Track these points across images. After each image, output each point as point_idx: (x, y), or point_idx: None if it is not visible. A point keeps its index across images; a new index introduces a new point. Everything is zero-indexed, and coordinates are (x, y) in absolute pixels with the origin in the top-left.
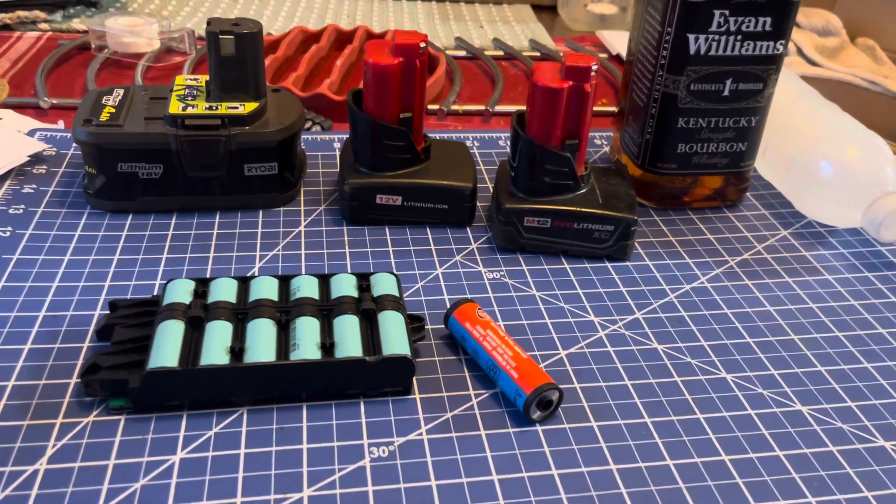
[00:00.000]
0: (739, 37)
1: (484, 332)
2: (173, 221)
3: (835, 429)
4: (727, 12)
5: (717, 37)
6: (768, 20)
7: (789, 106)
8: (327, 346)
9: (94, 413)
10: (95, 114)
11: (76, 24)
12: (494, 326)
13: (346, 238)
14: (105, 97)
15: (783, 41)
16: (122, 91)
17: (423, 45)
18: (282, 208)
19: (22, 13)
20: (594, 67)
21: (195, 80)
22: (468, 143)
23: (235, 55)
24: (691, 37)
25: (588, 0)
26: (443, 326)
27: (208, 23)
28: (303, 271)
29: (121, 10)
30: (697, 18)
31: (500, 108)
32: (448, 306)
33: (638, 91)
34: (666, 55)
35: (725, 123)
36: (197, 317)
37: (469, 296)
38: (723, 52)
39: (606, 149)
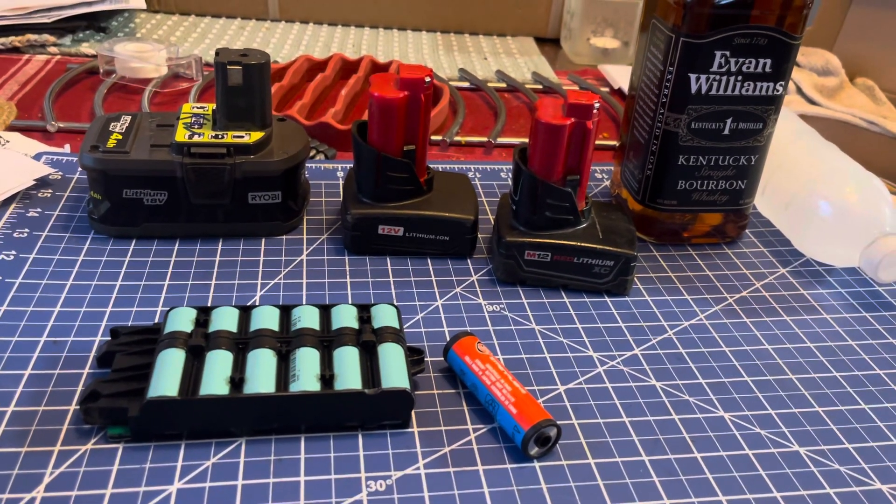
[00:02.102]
0: (740, 77)
1: (483, 367)
2: (176, 248)
3: (832, 471)
4: (728, 53)
5: (717, 77)
6: (768, 62)
7: (789, 145)
8: (327, 377)
9: (93, 441)
10: (102, 140)
11: (85, 48)
12: (493, 361)
13: (347, 268)
14: (112, 124)
15: (783, 82)
16: (129, 118)
17: (427, 79)
18: (284, 237)
19: (32, 36)
20: (596, 105)
21: (202, 108)
22: (470, 175)
23: (242, 85)
24: (692, 76)
25: (591, 34)
26: (442, 359)
27: (217, 53)
28: (304, 300)
29: (129, 36)
30: (699, 59)
31: (502, 140)
32: (448, 338)
33: (639, 127)
34: (667, 93)
35: (725, 161)
36: (198, 346)
37: (469, 328)
38: (723, 92)
39: (607, 183)
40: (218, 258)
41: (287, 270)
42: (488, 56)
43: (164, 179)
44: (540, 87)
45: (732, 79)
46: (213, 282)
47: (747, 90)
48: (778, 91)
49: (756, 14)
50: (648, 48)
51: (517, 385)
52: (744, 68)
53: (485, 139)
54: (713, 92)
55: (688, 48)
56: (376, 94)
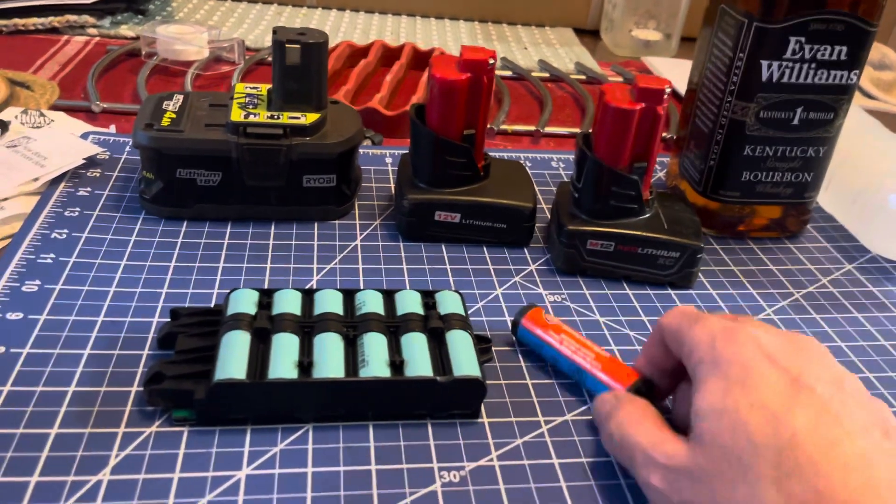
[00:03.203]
0: (814, 65)
1: (559, 337)
2: (228, 230)
3: None
4: (803, 39)
5: (790, 64)
6: (844, 49)
7: (854, 138)
8: (397, 363)
9: (157, 423)
10: (156, 119)
11: (124, 30)
12: (567, 329)
13: (402, 254)
14: (165, 102)
15: (857, 71)
16: (181, 97)
17: (491, 61)
18: (337, 221)
19: (71, 17)
20: (668, 90)
21: (255, 88)
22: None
23: (300, 65)
24: (764, 63)
25: (633, 26)
26: (506, 349)
27: (274, 31)
28: (362, 286)
29: (168, 18)
30: (772, 45)
31: (548, 129)
32: (510, 327)
33: (703, 117)
34: (736, 81)
35: (793, 153)
36: (263, 328)
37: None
38: (795, 80)
39: (661, 174)
40: (271, 241)
41: (342, 255)
42: (528, 46)
43: (219, 160)
44: (584, 77)
45: (806, 66)
46: (269, 265)
47: (820, 78)
48: (852, 80)
49: None
50: (715, 35)
51: (598, 350)
52: (818, 55)
53: (531, 128)
54: (785, 80)
55: (761, 33)
56: (438, 76)
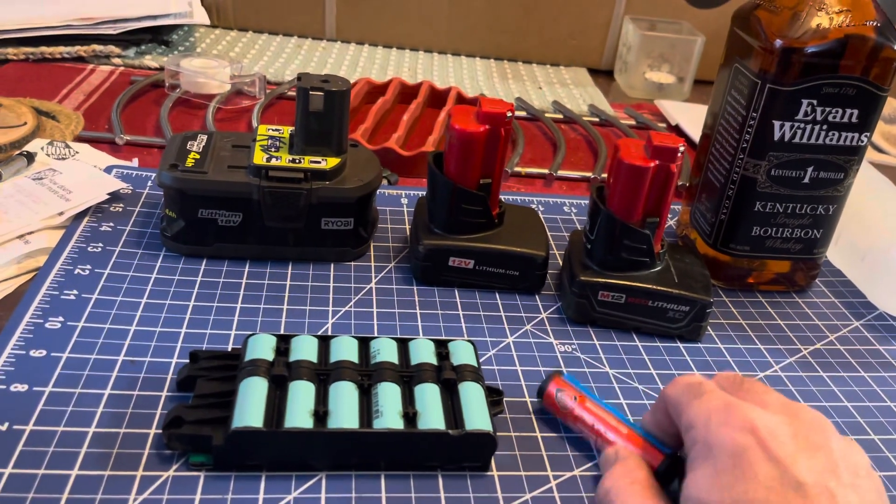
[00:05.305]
0: (825, 126)
1: (576, 427)
2: (247, 269)
3: None
4: (815, 102)
5: (802, 125)
6: (855, 112)
7: (864, 194)
8: (410, 415)
9: (174, 467)
10: (181, 159)
11: (148, 60)
12: (579, 415)
13: (416, 298)
14: (190, 142)
15: (868, 133)
16: (205, 137)
17: (509, 114)
18: (353, 263)
19: (97, 47)
20: (681, 149)
21: (278, 130)
22: (533, 207)
23: (323, 111)
24: (776, 123)
25: (647, 68)
26: (517, 399)
27: (298, 78)
28: (375, 330)
29: (190, 50)
30: (784, 106)
31: (561, 172)
32: (521, 377)
33: (715, 170)
34: (749, 139)
35: (803, 210)
36: (280, 375)
37: (542, 368)
38: (807, 141)
39: (672, 222)
40: (288, 282)
41: (357, 298)
42: (543, 85)
43: (240, 201)
44: (597, 119)
45: (817, 127)
46: (285, 306)
47: (831, 139)
48: (862, 142)
49: (846, 64)
50: (729, 91)
51: (612, 438)
52: (829, 117)
53: (544, 171)
54: (796, 140)
55: (774, 95)
56: (457, 127)
